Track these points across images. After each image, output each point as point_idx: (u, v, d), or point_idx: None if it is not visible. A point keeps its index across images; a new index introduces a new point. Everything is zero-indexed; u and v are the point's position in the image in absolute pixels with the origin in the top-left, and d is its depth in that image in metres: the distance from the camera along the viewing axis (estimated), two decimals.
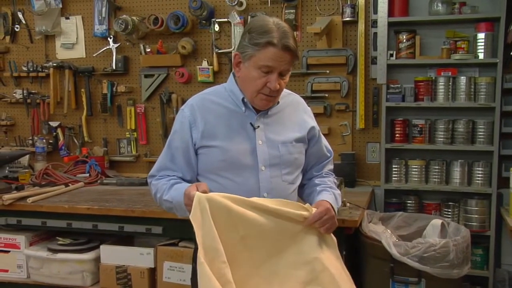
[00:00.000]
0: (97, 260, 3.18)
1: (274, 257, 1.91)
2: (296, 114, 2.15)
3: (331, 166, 2.28)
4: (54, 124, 4.32)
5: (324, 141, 2.24)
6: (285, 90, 2.18)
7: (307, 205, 1.97)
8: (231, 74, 2.10)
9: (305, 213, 1.91)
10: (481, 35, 3.35)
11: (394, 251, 2.70)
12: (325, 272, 1.90)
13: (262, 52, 1.89)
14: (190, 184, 1.94)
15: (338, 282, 1.90)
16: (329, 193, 2.08)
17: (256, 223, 1.85)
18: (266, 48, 1.88)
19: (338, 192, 2.16)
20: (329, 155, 2.26)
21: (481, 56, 3.36)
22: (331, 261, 1.95)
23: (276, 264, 1.91)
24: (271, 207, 1.87)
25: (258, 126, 2.03)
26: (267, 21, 1.93)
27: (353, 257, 3.03)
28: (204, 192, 1.83)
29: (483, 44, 3.35)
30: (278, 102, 2.08)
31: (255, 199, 1.88)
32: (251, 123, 2.03)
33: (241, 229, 1.85)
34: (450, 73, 3.44)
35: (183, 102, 3.92)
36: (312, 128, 2.16)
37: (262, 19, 1.98)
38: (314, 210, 1.94)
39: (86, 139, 4.27)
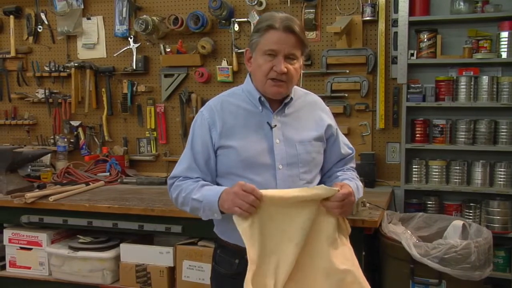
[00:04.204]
0: (117, 258, 3.21)
1: (307, 261, 1.89)
2: (313, 112, 2.14)
3: (353, 164, 2.27)
4: (75, 123, 4.37)
5: (343, 138, 2.23)
6: (302, 89, 2.19)
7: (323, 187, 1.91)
8: (248, 74, 2.12)
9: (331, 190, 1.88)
10: (504, 34, 3.29)
11: (414, 252, 2.68)
12: (355, 284, 1.89)
13: (265, 36, 1.94)
14: (223, 187, 1.94)
15: None
16: (351, 182, 2.07)
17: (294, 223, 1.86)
18: (268, 32, 1.94)
19: (360, 184, 2.14)
20: (350, 151, 2.24)
21: (504, 55, 3.30)
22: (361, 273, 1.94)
23: (309, 268, 1.89)
24: (302, 195, 1.86)
25: (275, 125, 2.03)
26: (272, 13, 2.00)
27: (373, 257, 3.01)
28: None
29: (506, 43, 3.29)
30: (292, 98, 2.07)
31: (286, 192, 1.87)
32: (268, 123, 2.03)
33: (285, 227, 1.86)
34: (472, 73, 3.39)
35: (203, 101, 3.96)
36: (329, 126, 2.15)
37: (268, 13, 2.05)
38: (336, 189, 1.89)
39: (106, 138, 4.31)
